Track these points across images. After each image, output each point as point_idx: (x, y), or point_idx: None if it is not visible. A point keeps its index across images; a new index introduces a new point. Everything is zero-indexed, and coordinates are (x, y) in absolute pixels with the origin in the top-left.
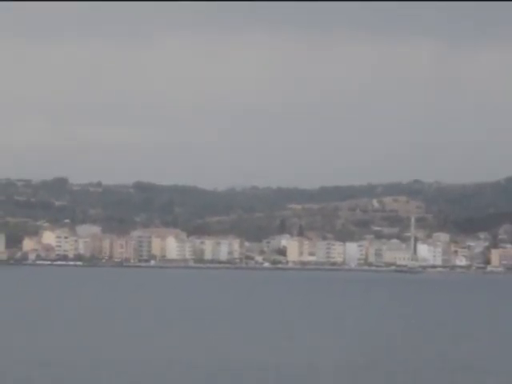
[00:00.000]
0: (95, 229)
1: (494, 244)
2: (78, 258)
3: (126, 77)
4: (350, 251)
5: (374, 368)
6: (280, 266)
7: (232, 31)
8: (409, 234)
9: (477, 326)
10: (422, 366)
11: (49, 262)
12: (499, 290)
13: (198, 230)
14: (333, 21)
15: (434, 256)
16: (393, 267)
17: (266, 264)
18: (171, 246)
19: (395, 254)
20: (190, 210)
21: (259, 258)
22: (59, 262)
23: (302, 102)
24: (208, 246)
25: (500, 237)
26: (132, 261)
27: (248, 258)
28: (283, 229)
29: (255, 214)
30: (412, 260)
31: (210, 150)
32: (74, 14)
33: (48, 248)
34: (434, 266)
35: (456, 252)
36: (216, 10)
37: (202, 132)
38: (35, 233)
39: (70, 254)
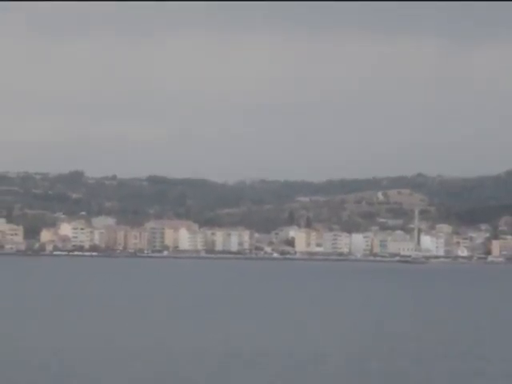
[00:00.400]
0: (110, 220)
1: (495, 235)
2: (94, 248)
3: (126, 76)
4: (356, 242)
5: (374, 355)
6: (288, 256)
7: (232, 31)
8: (412, 226)
9: (478, 313)
10: (423, 352)
11: (65, 253)
12: (499, 279)
13: (209, 222)
14: (333, 21)
15: (437, 247)
16: (397, 257)
17: (275, 254)
18: (183, 237)
19: (399, 244)
20: (201, 202)
21: (268, 249)
22: (75, 253)
23: (303, 102)
24: (219, 237)
25: (500, 228)
26: (145, 251)
27: (257, 248)
28: (291, 220)
29: (264, 206)
30: (416, 251)
31: (216, 147)
32: (74, 14)
33: (65, 239)
34: (436, 257)
35: (458, 243)
36: (216, 10)
37: (203, 130)
38: (52, 224)
39: (86, 245)
